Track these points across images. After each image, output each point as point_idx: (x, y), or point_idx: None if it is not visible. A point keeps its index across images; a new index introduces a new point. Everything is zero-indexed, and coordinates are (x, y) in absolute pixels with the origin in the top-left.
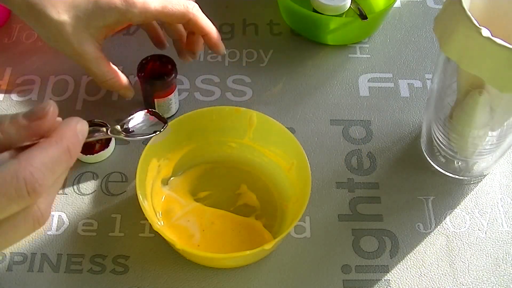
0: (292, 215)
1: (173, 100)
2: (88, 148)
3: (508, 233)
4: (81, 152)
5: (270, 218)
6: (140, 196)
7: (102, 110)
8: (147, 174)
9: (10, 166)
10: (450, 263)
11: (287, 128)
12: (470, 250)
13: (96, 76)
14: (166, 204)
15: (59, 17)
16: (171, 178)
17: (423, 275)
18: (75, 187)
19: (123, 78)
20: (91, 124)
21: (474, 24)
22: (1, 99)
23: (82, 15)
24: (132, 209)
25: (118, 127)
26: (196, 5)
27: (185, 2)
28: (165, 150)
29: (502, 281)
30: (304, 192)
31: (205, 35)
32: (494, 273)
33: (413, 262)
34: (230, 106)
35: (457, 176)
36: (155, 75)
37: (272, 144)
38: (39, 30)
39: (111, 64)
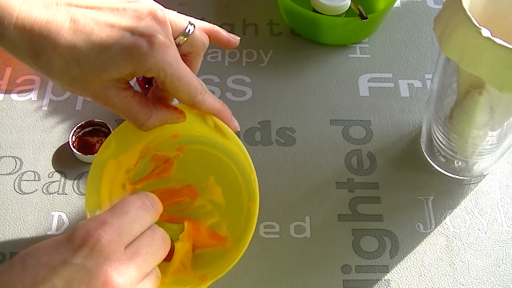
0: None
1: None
2: (88, 148)
3: (508, 233)
4: (81, 152)
5: (235, 219)
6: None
7: (102, 110)
8: (101, 180)
9: None
10: (450, 263)
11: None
12: (470, 250)
13: (130, 118)
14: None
15: (68, 68)
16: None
17: (423, 275)
18: (75, 187)
19: (169, 107)
20: (91, 124)
21: (474, 24)
22: (1, 99)
23: (92, 67)
24: None
25: None
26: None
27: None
28: (121, 146)
29: (502, 281)
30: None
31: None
32: (494, 273)
33: (413, 262)
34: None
35: (457, 176)
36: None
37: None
38: (53, 79)
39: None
